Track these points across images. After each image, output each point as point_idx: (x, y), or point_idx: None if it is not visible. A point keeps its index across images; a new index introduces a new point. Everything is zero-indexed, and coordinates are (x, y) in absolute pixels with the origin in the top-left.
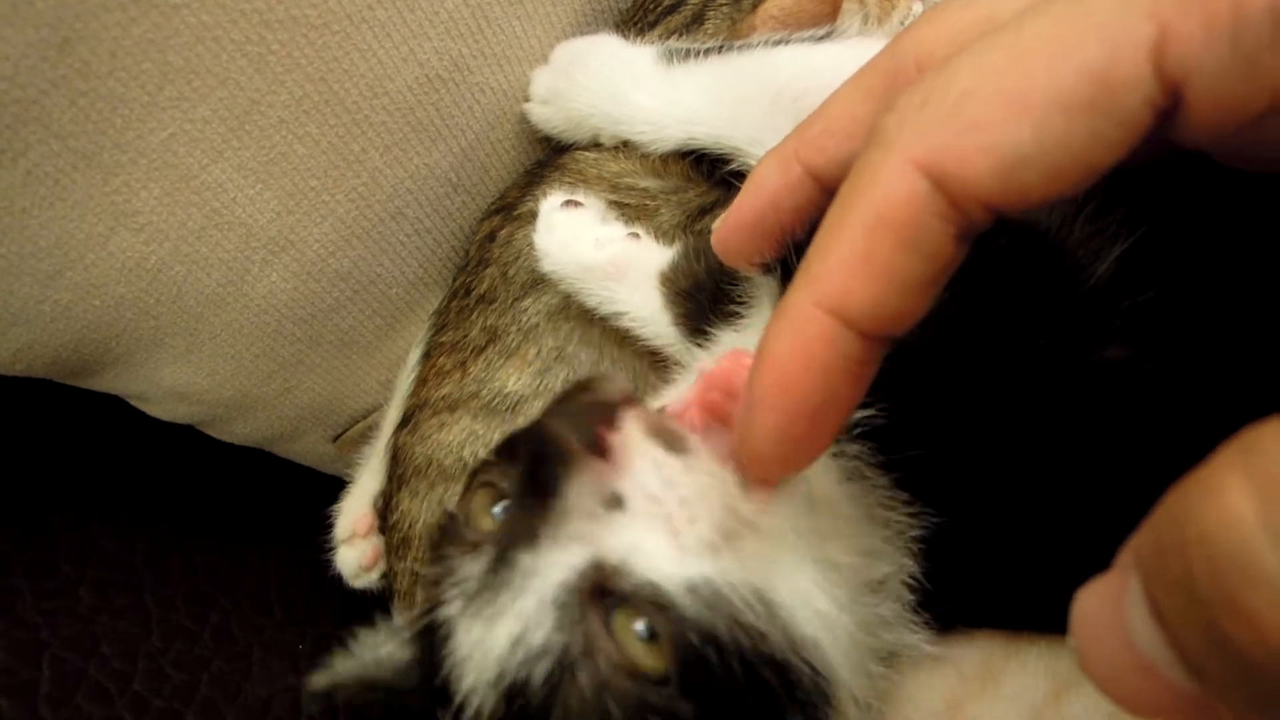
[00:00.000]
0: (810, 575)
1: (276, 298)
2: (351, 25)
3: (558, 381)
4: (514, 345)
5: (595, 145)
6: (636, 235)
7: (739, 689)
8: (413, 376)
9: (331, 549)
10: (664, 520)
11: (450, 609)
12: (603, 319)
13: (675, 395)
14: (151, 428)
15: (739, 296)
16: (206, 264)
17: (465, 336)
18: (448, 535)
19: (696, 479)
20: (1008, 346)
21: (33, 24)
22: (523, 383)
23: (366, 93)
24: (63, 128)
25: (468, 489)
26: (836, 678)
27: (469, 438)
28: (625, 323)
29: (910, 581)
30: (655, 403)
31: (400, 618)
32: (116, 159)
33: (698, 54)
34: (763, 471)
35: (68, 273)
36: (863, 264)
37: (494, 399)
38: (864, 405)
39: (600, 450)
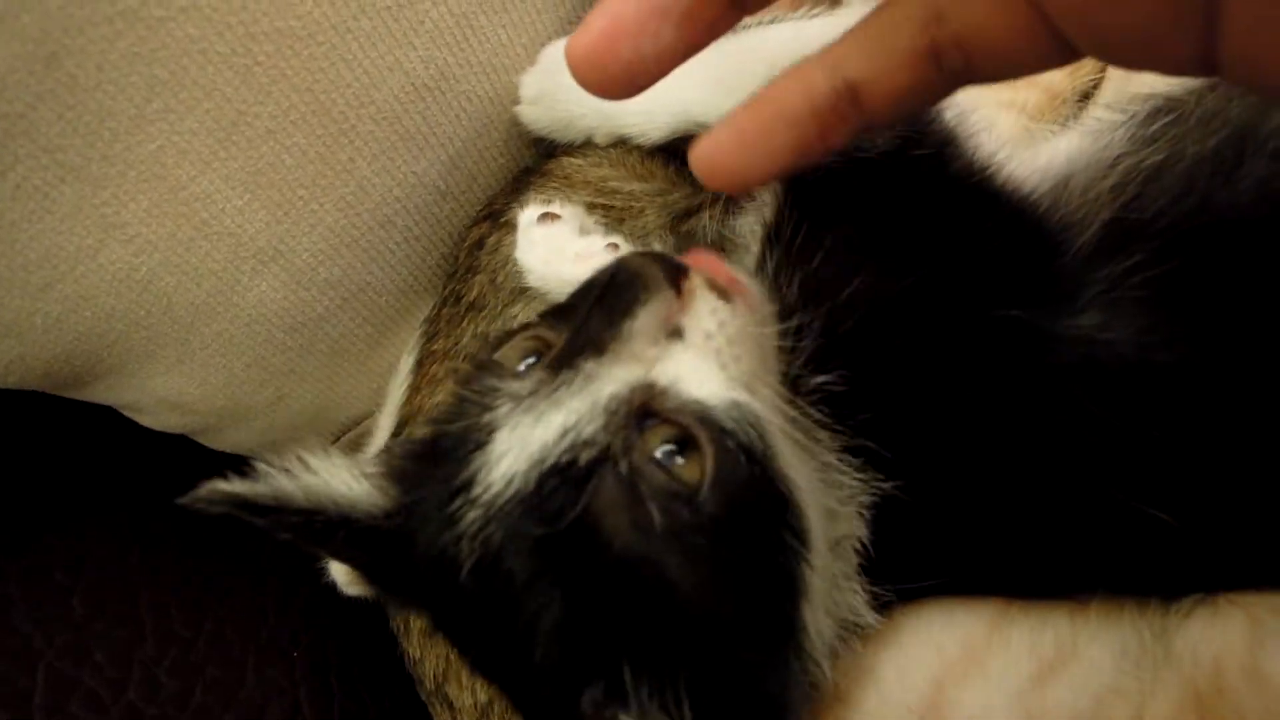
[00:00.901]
0: (797, 454)
1: (267, 307)
2: (337, 36)
3: None
4: None
5: (582, 150)
6: (616, 245)
7: (759, 501)
8: (406, 385)
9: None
10: (715, 353)
11: (495, 414)
12: None
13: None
14: (144, 436)
15: None
16: (196, 274)
17: (457, 344)
18: (484, 372)
19: (740, 323)
20: (977, 312)
21: (18, 39)
22: None
23: (353, 102)
24: (50, 141)
25: (504, 341)
26: (813, 528)
27: None
28: None
29: (860, 547)
30: None
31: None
32: (105, 171)
33: None
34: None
35: (58, 285)
36: None
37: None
38: (823, 370)
39: (676, 289)
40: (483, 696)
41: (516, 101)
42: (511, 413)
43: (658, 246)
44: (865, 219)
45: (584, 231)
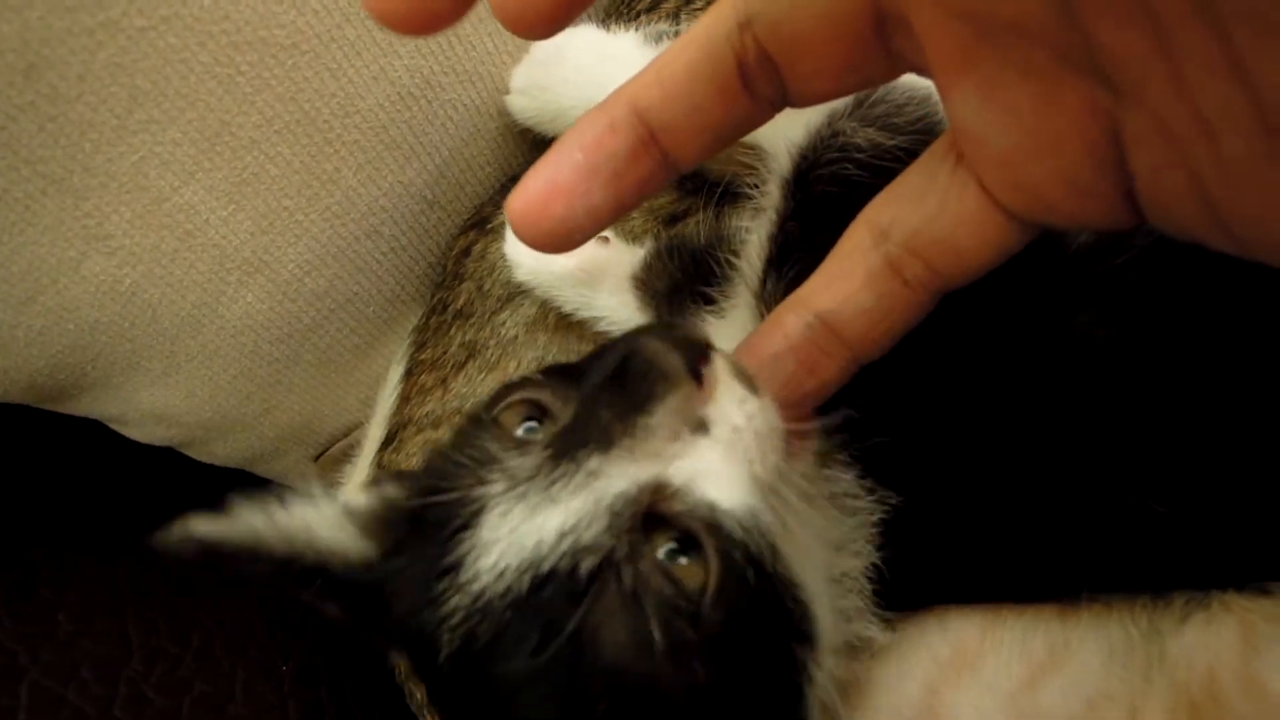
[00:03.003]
0: (810, 538)
1: (253, 318)
2: (321, 45)
3: None
4: (494, 359)
5: None
6: (606, 239)
7: (762, 610)
8: (395, 395)
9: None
10: (742, 451)
11: (488, 490)
12: (580, 325)
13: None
14: (131, 450)
15: (716, 294)
16: (181, 286)
17: (445, 353)
18: (482, 432)
19: (766, 420)
20: (981, 317)
21: None
22: None
23: (338, 111)
24: (32, 153)
25: (500, 399)
26: (821, 624)
27: None
28: (603, 327)
29: (871, 572)
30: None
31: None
32: (87, 183)
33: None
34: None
35: (40, 298)
36: (659, 69)
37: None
38: (840, 405)
39: (697, 378)
40: None
41: (504, 108)
42: (504, 496)
43: (648, 244)
44: None
45: None
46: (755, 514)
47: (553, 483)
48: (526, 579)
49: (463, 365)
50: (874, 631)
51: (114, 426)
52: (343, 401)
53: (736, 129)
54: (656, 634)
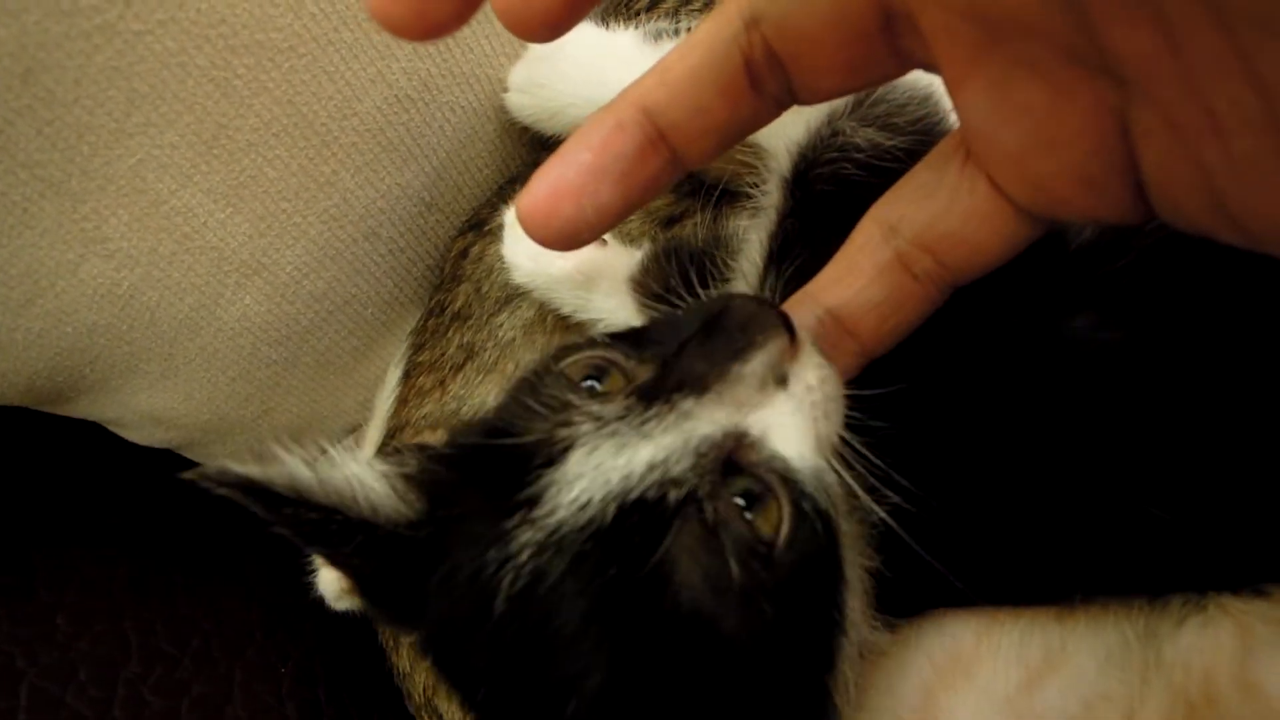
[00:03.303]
0: (847, 510)
1: (251, 320)
2: (318, 48)
3: None
4: (492, 361)
5: None
6: (604, 241)
7: (818, 569)
8: (393, 397)
9: (313, 571)
10: (810, 408)
11: (572, 431)
12: (578, 327)
13: None
14: (129, 452)
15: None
16: (179, 289)
17: (443, 355)
18: (552, 383)
19: (836, 386)
20: (979, 320)
21: None
22: None
23: (336, 114)
24: (29, 156)
25: (564, 357)
26: (852, 596)
27: None
28: (602, 329)
29: (872, 573)
30: None
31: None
32: (85, 186)
33: (689, 30)
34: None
35: (39, 301)
36: (665, 70)
37: (475, 415)
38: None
39: (792, 335)
40: None
41: (501, 109)
42: (592, 435)
43: (646, 246)
44: None
45: None
46: (822, 472)
47: (645, 421)
48: (612, 509)
49: (461, 367)
50: (876, 635)
51: (112, 429)
52: (341, 404)
53: (744, 127)
54: (735, 568)
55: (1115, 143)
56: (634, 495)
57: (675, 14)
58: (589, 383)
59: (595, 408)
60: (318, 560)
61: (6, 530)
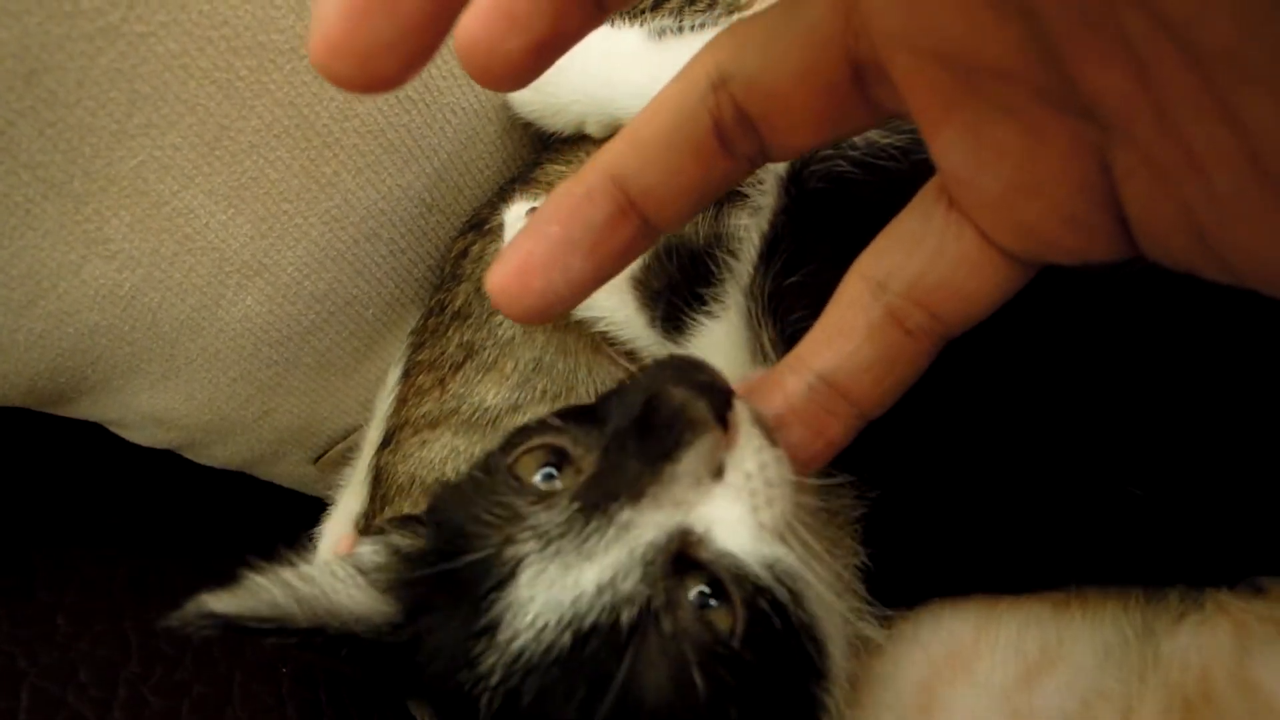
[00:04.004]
0: (823, 568)
1: (252, 321)
2: None
3: (536, 392)
4: (491, 359)
5: (565, 158)
6: None
7: (787, 654)
8: (393, 396)
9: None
10: (749, 497)
11: (518, 549)
12: (578, 325)
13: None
14: (130, 452)
15: (711, 294)
16: (180, 289)
17: (443, 353)
18: (501, 485)
19: (780, 469)
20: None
21: None
22: (502, 396)
23: (337, 116)
24: (31, 157)
25: (513, 446)
26: (835, 657)
27: (451, 454)
28: (602, 327)
29: (861, 568)
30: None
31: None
32: (87, 187)
33: (692, 28)
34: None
35: (40, 301)
36: (633, 135)
37: (474, 414)
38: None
39: (723, 424)
40: None
41: (502, 110)
42: (537, 556)
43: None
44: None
45: None
46: (775, 560)
47: (586, 539)
48: (568, 635)
49: (460, 366)
50: (872, 631)
51: (113, 429)
52: (342, 404)
53: (716, 188)
54: (698, 679)
55: (1098, 182)
56: (588, 621)
57: (679, 12)
58: (547, 470)
59: (542, 517)
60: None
61: (7, 530)
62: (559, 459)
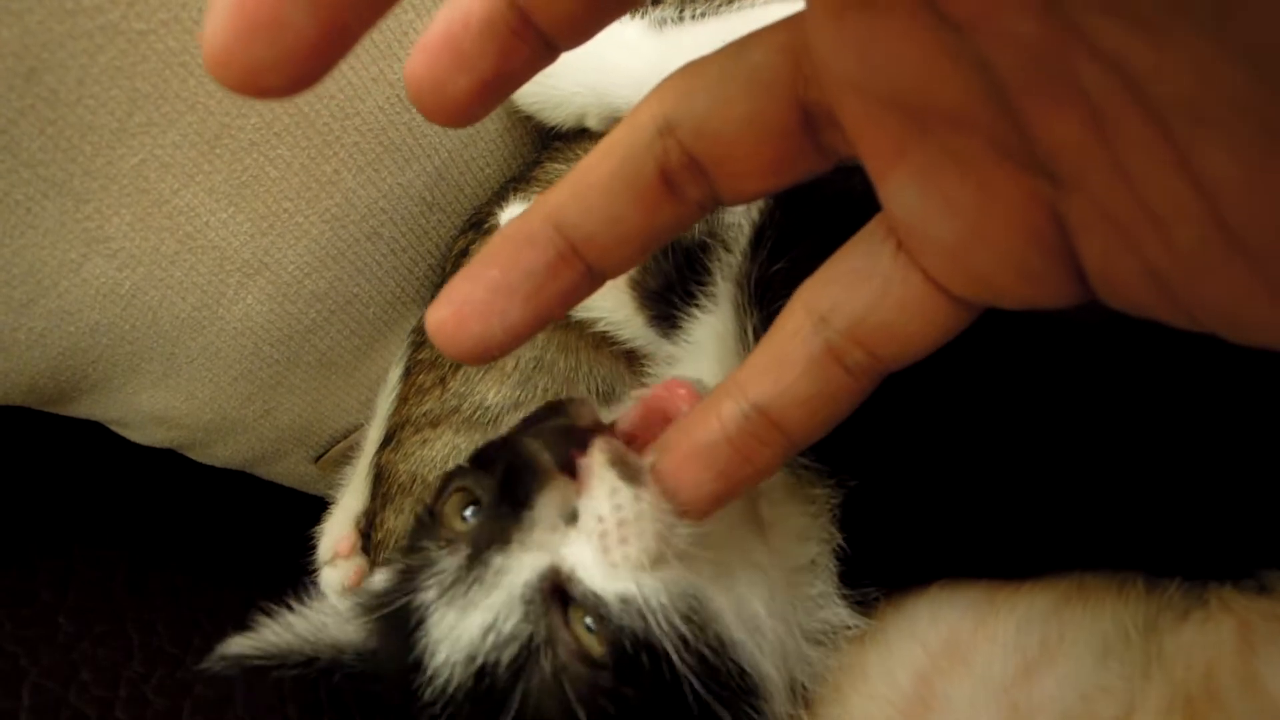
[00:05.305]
0: (740, 583)
1: (253, 320)
2: None
3: (537, 390)
4: None
5: (565, 156)
6: None
7: (668, 684)
8: (394, 395)
9: (315, 570)
10: (600, 539)
11: (427, 596)
12: (578, 324)
13: (623, 414)
14: (131, 451)
15: (705, 290)
16: (181, 288)
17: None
18: (424, 530)
19: (639, 507)
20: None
21: None
22: (503, 394)
23: (338, 114)
24: (32, 156)
25: (442, 492)
26: (763, 673)
27: (452, 452)
28: (601, 327)
29: (837, 553)
30: (608, 416)
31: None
32: (87, 186)
33: (693, 18)
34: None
35: (41, 300)
36: (576, 182)
37: (475, 412)
38: None
39: (570, 470)
40: None
41: (502, 111)
42: (439, 602)
43: None
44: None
45: None
46: (635, 598)
47: (470, 586)
48: (470, 674)
49: (460, 364)
50: (844, 616)
51: (114, 429)
52: (343, 403)
53: (663, 234)
54: (580, 711)
55: (1052, 236)
56: (479, 661)
57: (680, 4)
58: (473, 508)
59: (444, 563)
60: (319, 560)
61: (8, 530)
62: (476, 499)
